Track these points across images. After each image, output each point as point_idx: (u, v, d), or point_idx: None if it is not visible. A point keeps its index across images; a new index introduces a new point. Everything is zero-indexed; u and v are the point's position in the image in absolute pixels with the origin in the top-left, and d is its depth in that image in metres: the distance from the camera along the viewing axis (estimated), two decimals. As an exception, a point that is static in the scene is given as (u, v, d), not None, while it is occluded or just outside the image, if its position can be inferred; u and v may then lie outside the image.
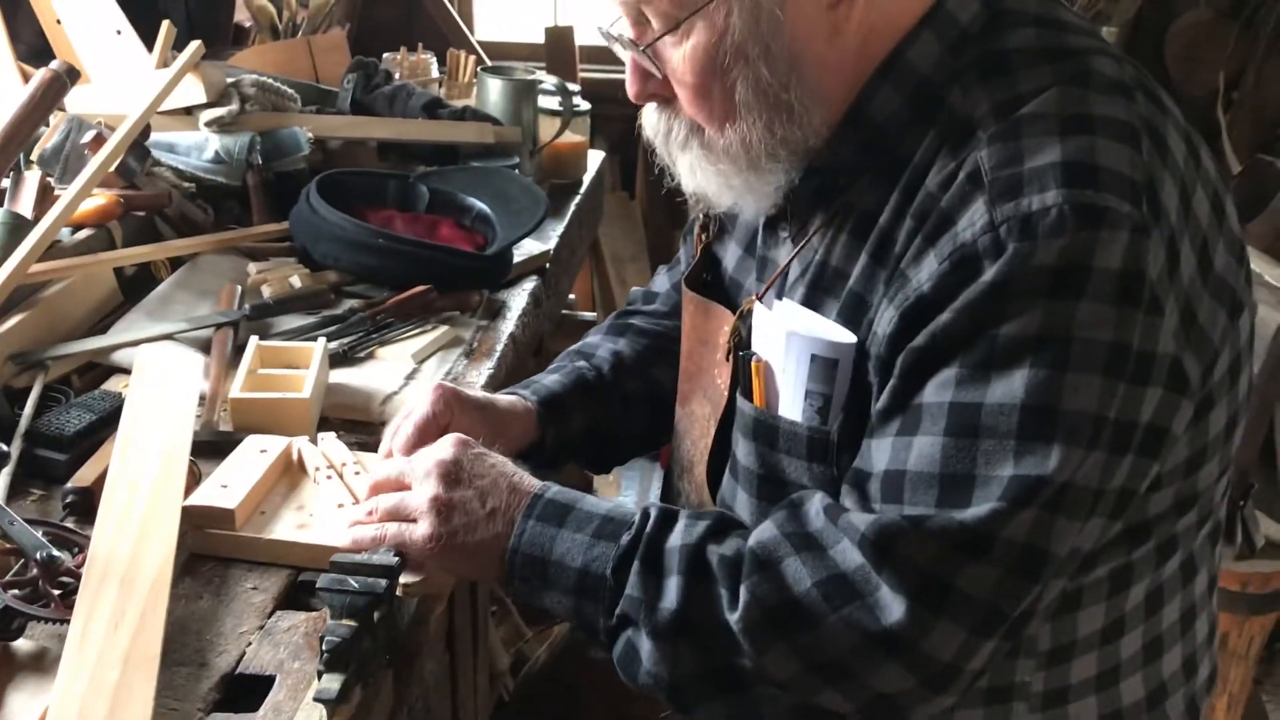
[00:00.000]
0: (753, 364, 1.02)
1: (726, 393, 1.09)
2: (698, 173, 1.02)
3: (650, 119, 1.04)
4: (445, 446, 1.00)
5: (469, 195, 1.78)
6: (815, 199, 1.02)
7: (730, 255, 1.18)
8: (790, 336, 0.97)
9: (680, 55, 0.95)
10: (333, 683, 0.84)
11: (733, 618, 0.90)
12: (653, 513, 0.97)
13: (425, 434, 1.07)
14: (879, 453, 0.91)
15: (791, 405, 0.99)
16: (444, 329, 1.51)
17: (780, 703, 0.93)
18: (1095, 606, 0.98)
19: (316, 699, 0.84)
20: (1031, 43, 0.93)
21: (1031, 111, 0.88)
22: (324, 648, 0.85)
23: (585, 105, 2.28)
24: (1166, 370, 0.87)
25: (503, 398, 1.19)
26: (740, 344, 1.05)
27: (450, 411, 1.09)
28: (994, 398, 0.85)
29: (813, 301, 1.00)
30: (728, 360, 1.09)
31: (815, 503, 0.94)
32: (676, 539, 0.95)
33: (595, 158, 2.38)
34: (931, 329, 0.87)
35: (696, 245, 1.21)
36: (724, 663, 0.91)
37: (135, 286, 1.54)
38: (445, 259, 1.61)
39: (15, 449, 1.14)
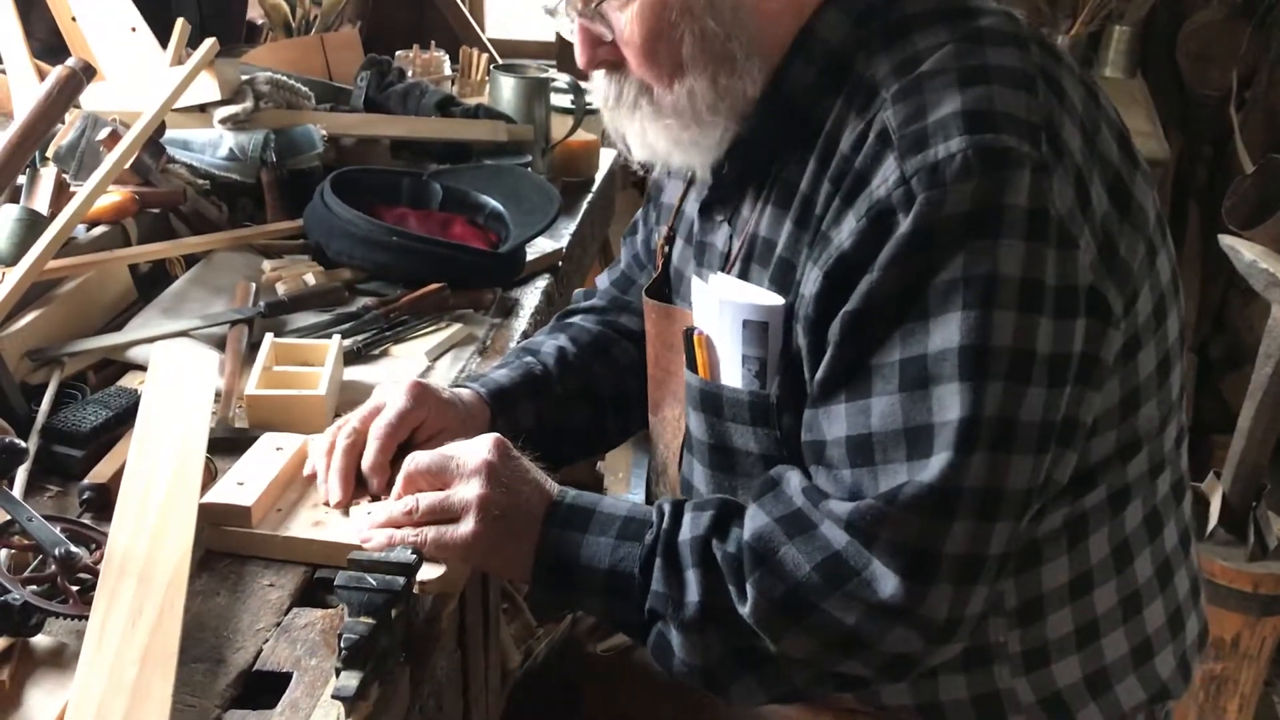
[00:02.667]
0: (695, 337, 1.06)
1: None
2: (648, 133, 1.05)
3: (600, 86, 1.07)
4: (489, 447, 1.02)
5: (482, 193, 1.78)
6: (742, 178, 1.06)
7: (677, 252, 1.21)
8: (723, 305, 1.02)
9: (627, 16, 0.98)
10: (351, 680, 0.84)
11: (744, 611, 0.94)
12: (666, 509, 1.01)
13: (403, 427, 1.10)
14: (832, 420, 0.95)
15: (731, 372, 1.03)
16: (457, 326, 1.51)
17: (807, 672, 0.97)
18: (1057, 560, 1.02)
19: (335, 696, 0.84)
20: (930, 6, 0.98)
21: (930, 68, 0.93)
22: (342, 645, 0.85)
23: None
24: (1085, 300, 0.91)
25: (462, 392, 1.21)
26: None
27: (426, 407, 1.12)
28: (935, 345, 0.88)
29: (746, 274, 1.04)
30: None
31: (794, 481, 0.97)
32: (686, 532, 0.99)
33: (607, 156, 2.38)
34: (864, 290, 0.91)
35: (659, 257, 1.24)
36: (749, 643, 0.96)
37: (150, 283, 1.55)
38: (459, 257, 1.61)
39: (32, 445, 1.14)
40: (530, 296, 1.67)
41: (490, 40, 3.30)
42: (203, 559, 1.03)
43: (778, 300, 0.99)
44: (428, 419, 1.12)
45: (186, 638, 0.90)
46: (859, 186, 0.92)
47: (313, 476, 1.12)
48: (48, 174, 1.50)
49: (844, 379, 0.93)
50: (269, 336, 1.36)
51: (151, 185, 1.61)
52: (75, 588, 0.94)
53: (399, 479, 1.04)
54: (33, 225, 1.39)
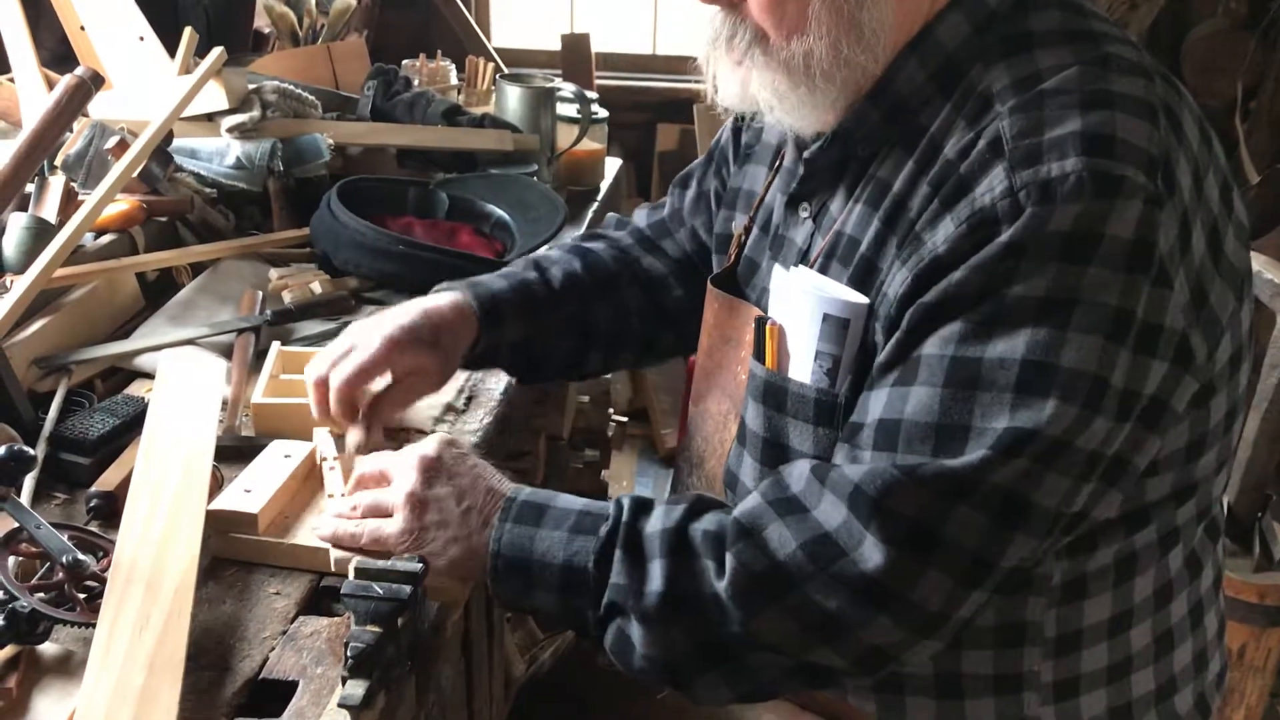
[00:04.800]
0: (767, 327, 1.04)
1: None
2: (751, 82, 1.01)
3: (713, 22, 1.03)
4: (429, 444, 1.04)
5: (488, 202, 1.79)
6: (835, 172, 1.04)
7: (752, 241, 1.19)
8: (804, 295, 1.00)
9: None
10: (357, 688, 0.84)
11: (720, 585, 0.92)
12: (626, 502, 0.99)
13: (367, 374, 1.12)
14: (874, 402, 0.93)
15: (802, 367, 1.01)
16: (463, 335, 1.51)
17: (776, 665, 0.94)
18: (1102, 596, 1.00)
19: (341, 704, 0.84)
20: (1054, 25, 0.96)
21: (1053, 86, 0.90)
22: (349, 653, 0.85)
23: (603, 113, 2.29)
24: (1174, 345, 0.89)
25: (447, 304, 1.21)
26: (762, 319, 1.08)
27: (391, 357, 1.14)
28: (994, 353, 0.87)
29: (826, 271, 1.02)
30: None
31: (797, 467, 0.96)
32: (656, 524, 0.97)
33: (612, 165, 2.39)
34: (943, 286, 0.89)
35: (734, 246, 1.21)
36: (716, 635, 0.93)
37: (157, 292, 1.56)
38: (465, 265, 1.61)
39: (40, 453, 1.15)
40: (536, 305, 1.67)
41: (496, 50, 3.32)
42: (209, 567, 1.04)
43: (862, 299, 0.97)
44: (396, 366, 1.15)
45: (193, 645, 0.91)
46: (961, 192, 0.90)
47: (314, 483, 1.13)
48: (56, 182, 1.51)
49: (896, 364, 0.92)
50: (276, 344, 1.36)
51: (159, 194, 1.62)
52: (82, 595, 0.94)
53: (351, 479, 1.07)
54: (41, 233, 1.40)
